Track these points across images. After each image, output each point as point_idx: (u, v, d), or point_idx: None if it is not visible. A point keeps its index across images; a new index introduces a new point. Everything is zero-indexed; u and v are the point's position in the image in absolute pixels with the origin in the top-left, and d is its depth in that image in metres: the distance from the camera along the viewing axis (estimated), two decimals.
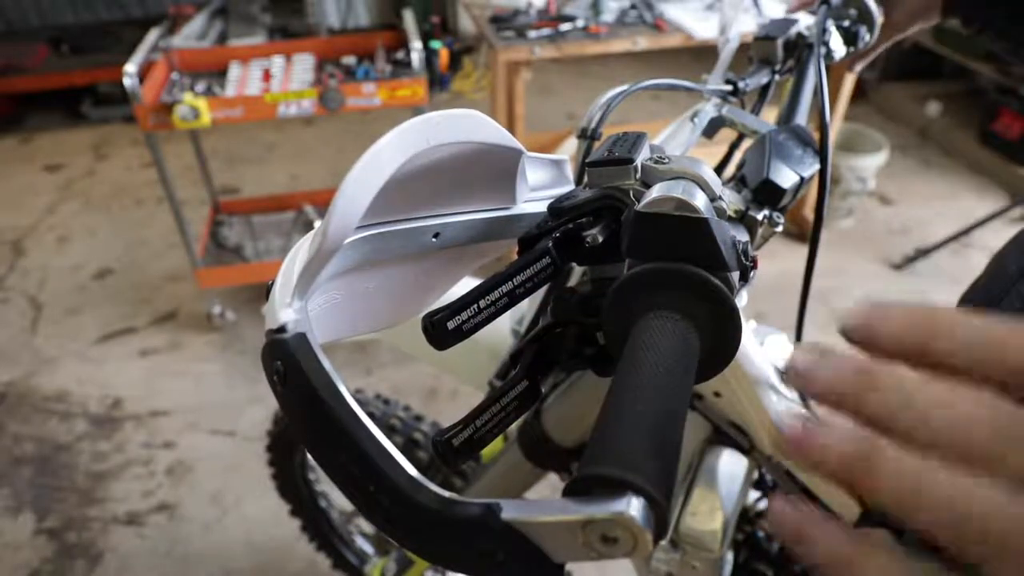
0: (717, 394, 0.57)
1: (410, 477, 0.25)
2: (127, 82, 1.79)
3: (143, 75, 1.88)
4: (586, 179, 0.40)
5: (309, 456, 1.05)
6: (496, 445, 0.81)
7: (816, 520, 0.22)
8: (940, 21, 0.71)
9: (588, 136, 0.52)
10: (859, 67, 0.75)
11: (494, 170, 0.37)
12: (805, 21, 0.67)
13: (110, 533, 1.72)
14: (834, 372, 0.22)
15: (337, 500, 1.45)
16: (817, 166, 0.49)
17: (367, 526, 1.46)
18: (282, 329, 0.27)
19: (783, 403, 0.53)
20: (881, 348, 0.22)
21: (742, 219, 0.43)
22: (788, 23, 0.65)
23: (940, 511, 0.19)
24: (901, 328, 0.21)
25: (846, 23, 0.69)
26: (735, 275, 0.35)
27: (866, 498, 0.20)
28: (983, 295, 0.65)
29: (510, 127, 2.18)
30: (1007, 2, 0.65)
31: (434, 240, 0.37)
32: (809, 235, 0.54)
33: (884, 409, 0.21)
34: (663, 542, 0.60)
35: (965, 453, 0.20)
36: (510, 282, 0.35)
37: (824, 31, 0.65)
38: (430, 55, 2.81)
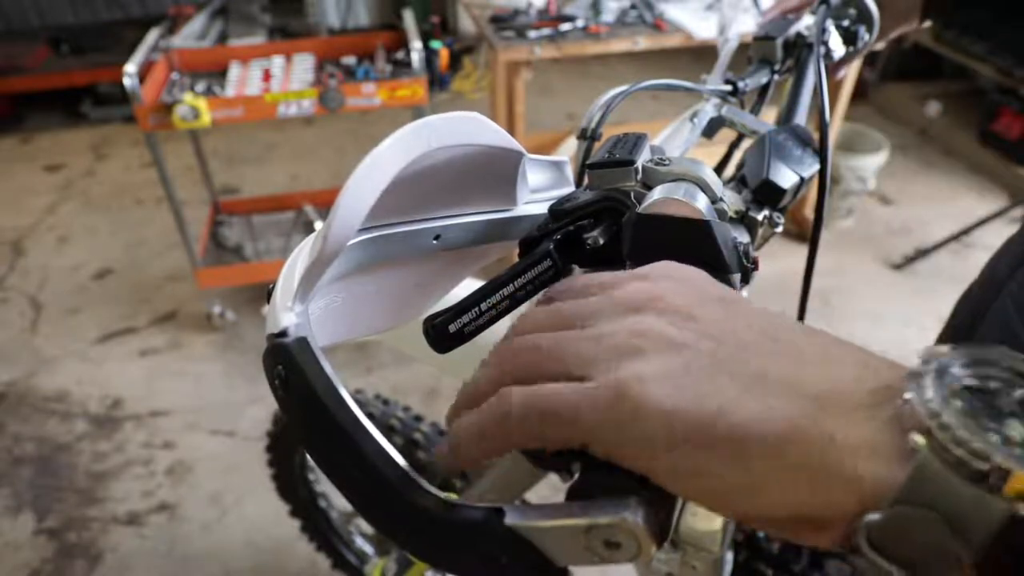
0: None
1: (412, 481, 0.25)
2: (127, 82, 1.79)
3: (143, 75, 1.88)
4: (587, 181, 0.40)
5: (309, 457, 1.05)
6: None
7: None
8: (919, 25, 0.71)
9: (588, 137, 0.52)
10: (841, 73, 0.75)
11: (495, 172, 0.37)
12: (804, 21, 0.67)
13: (110, 533, 1.72)
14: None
15: (337, 500, 1.45)
16: (817, 166, 0.49)
17: (367, 526, 1.46)
18: (283, 333, 0.27)
19: None
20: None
21: (742, 220, 0.43)
22: (787, 23, 0.65)
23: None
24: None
25: (845, 23, 0.69)
26: (736, 277, 0.35)
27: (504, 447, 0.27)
28: (976, 301, 0.65)
29: (510, 127, 2.18)
30: (989, 4, 0.65)
31: (435, 242, 0.37)
32: (809, 235, 0.54)
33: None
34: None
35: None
36: (511, 284, 0.35)
37: (823, 31, 0.64)
38: (430, 55, 2.81)
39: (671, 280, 0.28)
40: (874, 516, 0.21)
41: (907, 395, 0.22)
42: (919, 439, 0.21)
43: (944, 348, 0.24)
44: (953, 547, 0.20)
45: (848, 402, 0.23)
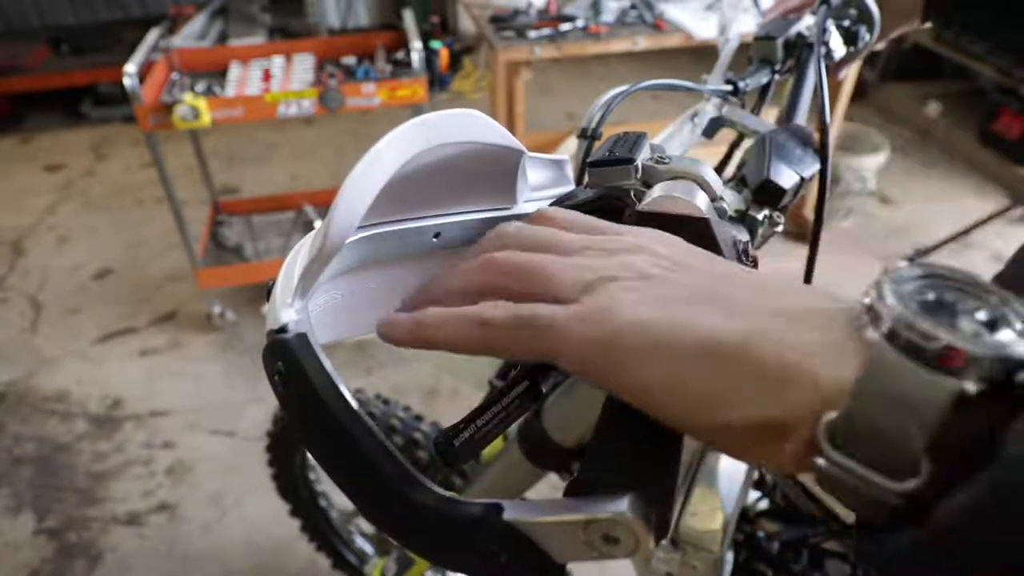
0: None
1: (411, 477, 0.25)
2: (127, 82, 1.79)
3: (143, 75, 1.88)
4: (587, 179, 0.40)
5: (309, 456, 1.05)
6: (496, 445, 0.81)
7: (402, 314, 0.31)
8: (920, 25, 0.71)
9: (588, 136, 0.52)
10: (842, 73, 0.75)
11: (495, 170, 0.37)
12: (805, 21, 0.67)
13: (110, 533, 1.72)
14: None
15: (337, 500, 1.45)
16: (817, 166, 0.49)
17: (367, 526, 1.46)
18: (283, 329, 0.27)
19: None
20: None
21: (742, 219, 0.43)
22: (788, 23, 0.65)
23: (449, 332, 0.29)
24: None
25: (846, 23, 0.69)
26: None
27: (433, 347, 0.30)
28: (1008, 284, 0.64)
29: (510, 127, 2.18)
30: (989, 4, 0.65)
31: (435, 240, 0.37)
32: (809, 235, 0.54)
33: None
34: (663, 542, 0.60)
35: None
36: None
37: (824, 31, 0.64)
38: (430, 55, 2.81)
39: (659, 241, 0.31)
40: (833, 414, 0.22)
41: (865, 299, 0.23)
42: (873, 332, 0.22)
43: (903, 263, 0.25)
44: (909, 436, 0.21)
45: (806, 314, 0.25)
